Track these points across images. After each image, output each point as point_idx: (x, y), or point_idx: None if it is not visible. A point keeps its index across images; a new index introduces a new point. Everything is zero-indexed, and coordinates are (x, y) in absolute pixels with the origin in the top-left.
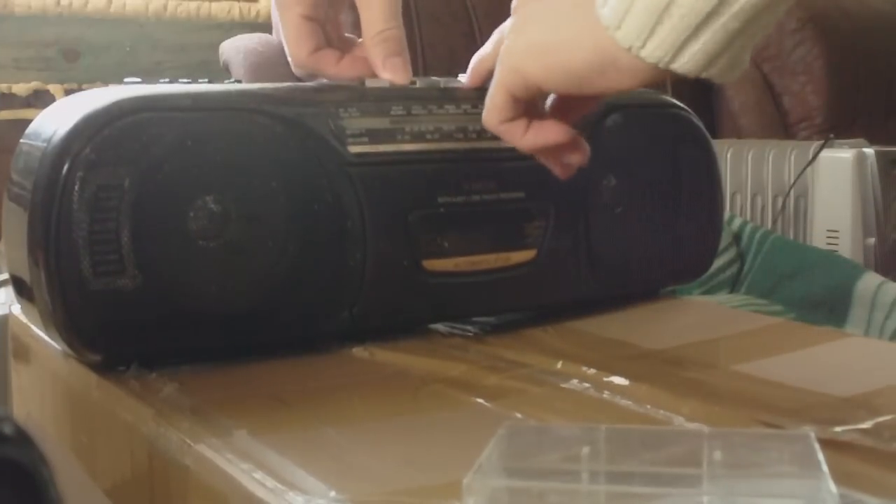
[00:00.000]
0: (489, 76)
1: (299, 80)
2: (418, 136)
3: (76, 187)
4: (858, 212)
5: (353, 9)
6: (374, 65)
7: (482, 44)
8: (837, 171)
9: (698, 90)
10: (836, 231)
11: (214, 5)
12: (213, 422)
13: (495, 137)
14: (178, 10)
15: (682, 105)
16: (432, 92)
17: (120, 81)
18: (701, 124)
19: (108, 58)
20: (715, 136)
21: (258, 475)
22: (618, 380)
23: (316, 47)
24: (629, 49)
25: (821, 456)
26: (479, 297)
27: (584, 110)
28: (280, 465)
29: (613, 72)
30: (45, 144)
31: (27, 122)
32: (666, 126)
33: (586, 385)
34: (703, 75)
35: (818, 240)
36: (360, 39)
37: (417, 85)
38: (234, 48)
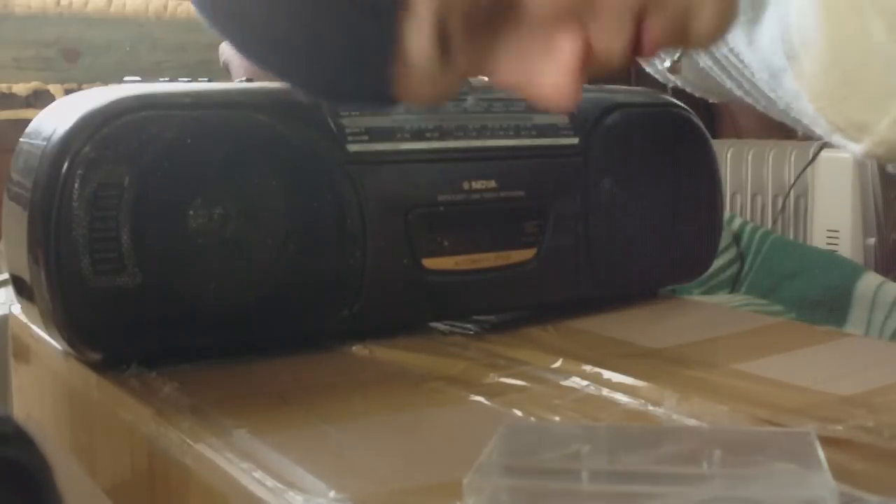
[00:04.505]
0: None
1: None
2: (418, 135)
3: (76, 186)
4: (858, 212)
5: None
6: None
7: None
8: (837, 171)
9: None
10: (836, 231)
11: None
12: (212, 421)
13: (495, 136)
14: (178, 10)
15: (682, 105)
16: None
17: (120, 81)
18: (701, 124)
19: (108, 58)
20: (715, 136)
21: (258, 474)
22: (618, 378)
23: None
24: None
25: (821, 453)
26: (479, 296)
27: None
28: (280, 464)
29: None
30: (44, 143)
31: (27, 122)
32: (666, 126)
33: (586, 383)
34: None
35: (818, 240)
36: None
37: None
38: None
